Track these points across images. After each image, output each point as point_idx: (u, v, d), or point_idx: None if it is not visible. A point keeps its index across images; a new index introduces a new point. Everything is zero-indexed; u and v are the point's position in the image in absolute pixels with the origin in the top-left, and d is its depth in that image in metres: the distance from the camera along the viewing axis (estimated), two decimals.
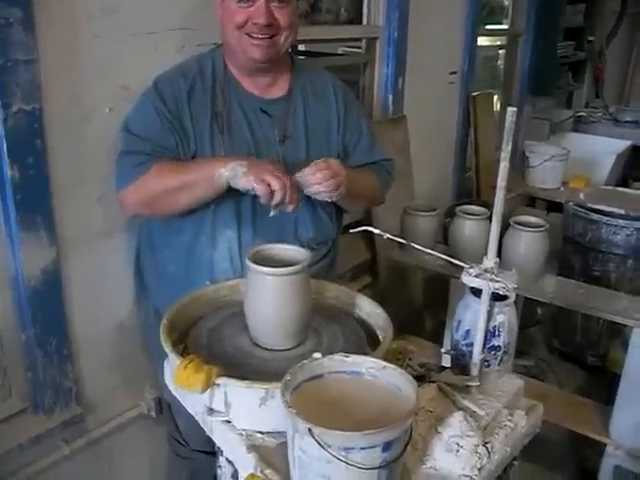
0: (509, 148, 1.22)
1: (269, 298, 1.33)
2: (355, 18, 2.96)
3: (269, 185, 1.48)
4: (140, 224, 1.83)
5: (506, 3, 4.71)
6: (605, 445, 2.28)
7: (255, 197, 1.54)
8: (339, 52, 3.22)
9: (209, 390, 1.22)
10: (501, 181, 1.24)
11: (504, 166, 1.23)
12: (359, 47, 3.12)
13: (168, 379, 1.39)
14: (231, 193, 1.59)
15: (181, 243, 1.72)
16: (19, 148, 1.59)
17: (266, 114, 1.77)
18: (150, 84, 1.69)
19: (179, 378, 1.20)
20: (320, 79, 1.89)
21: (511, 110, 1.19)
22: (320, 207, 1.79)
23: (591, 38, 5.29)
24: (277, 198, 1.48)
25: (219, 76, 1.75)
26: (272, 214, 1.52)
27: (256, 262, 1.33)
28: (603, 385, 2.60)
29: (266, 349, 1.37)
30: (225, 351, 1.37)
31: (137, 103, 1.71)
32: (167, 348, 1.30)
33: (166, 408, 2.01)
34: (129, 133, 1.66)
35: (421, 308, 3.09)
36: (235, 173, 1.52)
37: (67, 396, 1.86)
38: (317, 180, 1.58)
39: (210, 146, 1.69)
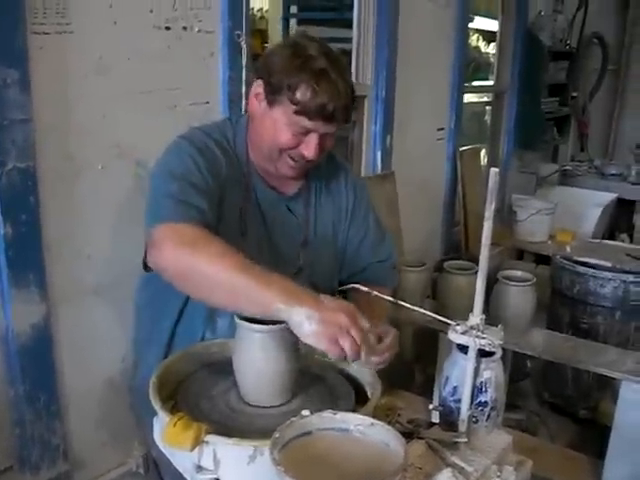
0: (492, 208, 1.24)
1: (257, 355, 1.33)
2: None
3: (343, 349, 1.20)
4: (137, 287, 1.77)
5: (491, 60, 4.83)
6: None
7: None
8: None
9: (198, 447, 1.21)
10: (485, 240, 1.26)
11: (488, 226, 1.25)
12: None
13: (157, 436, 1.37)
14: None
15: (169, 325, 1.65)
16: (13, 205, 1.61)
17: (292, 214, 1.61)
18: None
19: (168, 436, 1.20)
20: (334, 174, 1.75)
21: (494, 171, 1.22)
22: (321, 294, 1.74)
23: (575, 94, 5.41)
24: (351, 358, 1.22)
25: (240, 164, 1.58)
26: (355, 366, 1.40)
27: (245, 319, 1.34)
28: (595, 438, 2.58)
29: (255, 406, 1.37)
30: (214, 408, 1.37)
31: (173, 155, 1.48)
32: (156, 405, 1.29)
33: (152, 465, 1.98)
34: (179, 180, 1.40)
35: (411, 362, 3.08)
36: (300, 322, 1.20)
37: (54, 453, 1.84)
38: (384, 362, 1.46)
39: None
